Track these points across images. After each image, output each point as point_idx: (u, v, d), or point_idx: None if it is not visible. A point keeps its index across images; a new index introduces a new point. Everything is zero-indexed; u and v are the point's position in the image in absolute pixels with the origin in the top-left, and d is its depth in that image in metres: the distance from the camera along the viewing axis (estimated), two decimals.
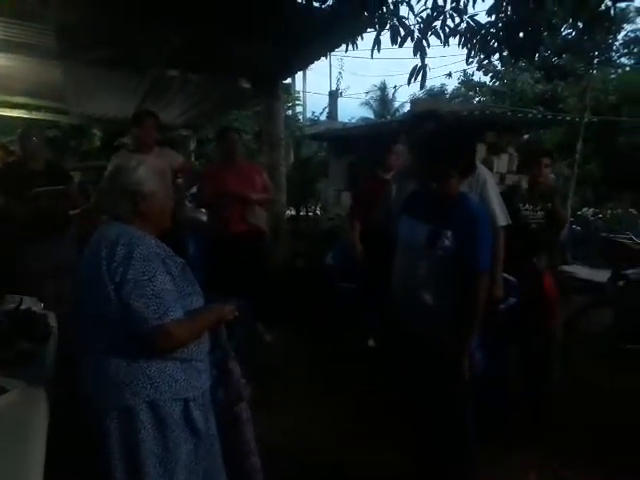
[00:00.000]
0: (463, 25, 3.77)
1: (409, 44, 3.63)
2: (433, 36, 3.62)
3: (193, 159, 10.00)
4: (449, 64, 34.62)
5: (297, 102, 13.71)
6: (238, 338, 2.16)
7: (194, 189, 4.82)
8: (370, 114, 22.53)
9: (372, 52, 3.60)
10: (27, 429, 1.37)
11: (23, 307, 2.21)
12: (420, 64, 3.59)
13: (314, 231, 6.67)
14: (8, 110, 8.01)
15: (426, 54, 3.63)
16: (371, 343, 4.14)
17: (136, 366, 1.53)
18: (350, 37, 4.96)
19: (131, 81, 6.44)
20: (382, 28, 3.71)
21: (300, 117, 14.02)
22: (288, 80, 6.17)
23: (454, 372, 2.02)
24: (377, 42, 3.58)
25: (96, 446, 1.54)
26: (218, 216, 4.14)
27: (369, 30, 4.21)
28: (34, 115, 8.30)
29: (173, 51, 4.90)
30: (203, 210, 5.06)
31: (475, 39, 3.95)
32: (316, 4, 5.49)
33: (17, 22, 4.58)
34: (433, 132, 2.21)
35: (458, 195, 2.10)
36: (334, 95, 17.39)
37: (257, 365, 2.83)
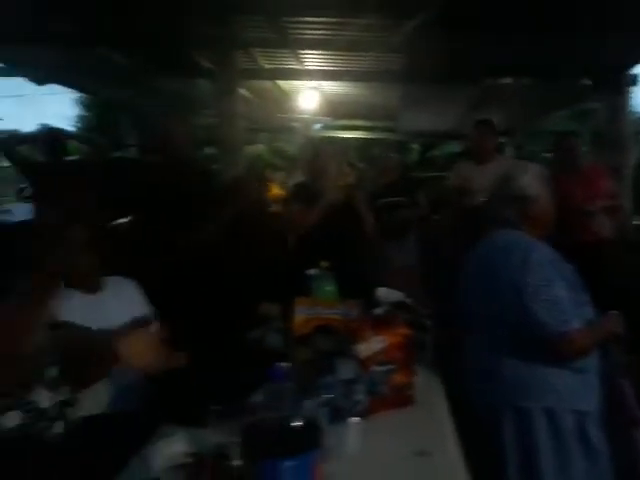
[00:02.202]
0: None
1: None
2: None
3: None
4: None
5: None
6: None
7: None
8: None
9: None
10: (435, 411, 1.54)
11: (396, 299, 2.48)
12: None
13: None
14: (349, 132, 9.36)
15: None
16: None
17: (534, 371, 1.54)
18: None
19: (456, 94, 6.72)
20: None
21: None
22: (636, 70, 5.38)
23: None
24: None
25: (488, 437, 1.61)
26: (560, 226, 3.90)
27: None
28: (367, 135, 9.46)
29: (508, 58, 4.89)
30: None
31: None
32: None
33: (367, 54, 5.29)
34: None
35: None
36: None
37: None
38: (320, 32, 4.88)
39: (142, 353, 1.22)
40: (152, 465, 1.23)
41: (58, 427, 1.10)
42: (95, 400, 1.59)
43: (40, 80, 5.80)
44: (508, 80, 5.29)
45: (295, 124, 10.08)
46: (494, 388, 1.62)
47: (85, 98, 13.10)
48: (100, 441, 1.32)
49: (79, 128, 13.19)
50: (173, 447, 1.28)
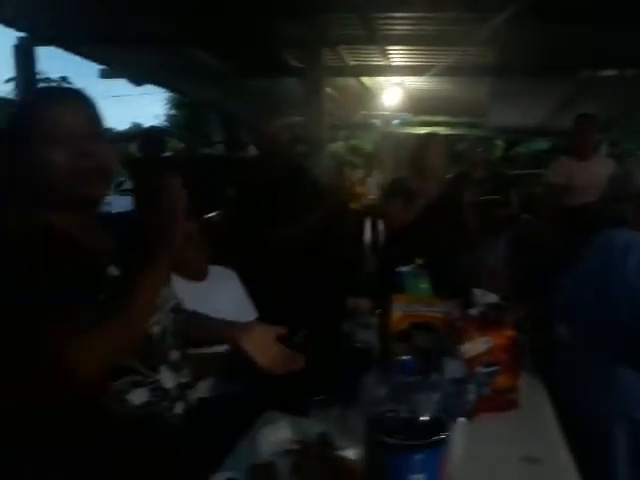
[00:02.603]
0: None
1: None
2: None
3: None
4: None
5: None
6: None
7: None
8: None
9: None
10: (540, 416, 1.48)
11: (491, 301, 2.41)
12: None
13: None
14: (428, 128, 9.18)
15: None
16: None
17: None
18: None
19: (548, 88, 6.39)
20: None
21: None
22: None
23: None
24: None
25: (595, 445, 1.53)
26: None
27: None
28: (451, 131, 9.23)
29: (609, 49, 4.58)
30: None
31: None
32: None
33: (456, 48, 5.14)
34: None
35: None
36: None
37: None
38: (407, 27, 4.82)
39: (265, 349, 1.22)
40: (260, 449, 1.28)
41: (179, 408, 1.16)
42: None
43: (139, 81, 6.16)
44: (609, 72, 4.95)
45: (374, 121, 10.03)
46: (605, 397, 1.53)
47: (174, 97, 13.77)
48: (210, 423, 1.38)
49: (168, 127, 13.90)
50: (279, 433, 1.33)
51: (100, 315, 0.97)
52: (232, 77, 6.23)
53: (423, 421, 0.75)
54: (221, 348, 1.48)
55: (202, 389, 1.65)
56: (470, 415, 1.29)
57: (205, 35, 4.88)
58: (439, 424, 0.76)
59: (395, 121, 9.59)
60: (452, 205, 2.64)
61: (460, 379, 1.21)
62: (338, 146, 13.56)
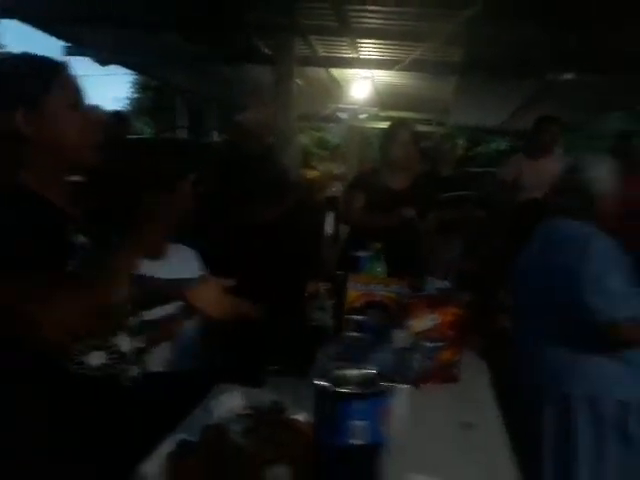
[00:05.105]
0: None
1: None
2: None
3: None
4: None
5: None
6: None
7: None
8: None
9: None
10: (478, 389, 1.59)
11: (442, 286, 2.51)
12: None
13: None
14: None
15: None
16: None
17: (579, 357, 1.57)
18: None
19: (511, 89, 6.58)
20: None
21: None
22: None
23: None
24: None
25: (530, 431, 1.64)
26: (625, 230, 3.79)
27: None
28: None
29: (570, 53, 4.75)
30: None
31: None
32: None
33: (424, 44, 5.22)
34: None
35: None
36: None
37: None
38: (378, 21, 4.87)
39: (214, 300, 1.23)
40: (213, 414, 1.33)
41: (133, 371, 1.19)
42: (160, 357, 1.71)
43: (104, 61, 6.01)
44: (569, 76, 5.13)
45: (340, 114, 10.07)
46: (539, 372, 1.65)
47: (140, 80, 13.46)
48: (161, 396, 1.41)
49: (133, 109, 13.58)
50: (232, 401, 1.38)
51: (76, 283, 1.01)
52: (202, 62, 6.16)
53: (369, 374, 0.81)
54: (170, 308, 1.51)
55: (157, 362, 1.68)
56: (416, 383, 1.38)
57: (177, 18, 4.81)
58: (383, 379, 0.83)
59: (362, 115, 9.68)
60: (418, 200, 2.68)
61: (406, 349, 1.29)
62: (304, 138, 13.53)
